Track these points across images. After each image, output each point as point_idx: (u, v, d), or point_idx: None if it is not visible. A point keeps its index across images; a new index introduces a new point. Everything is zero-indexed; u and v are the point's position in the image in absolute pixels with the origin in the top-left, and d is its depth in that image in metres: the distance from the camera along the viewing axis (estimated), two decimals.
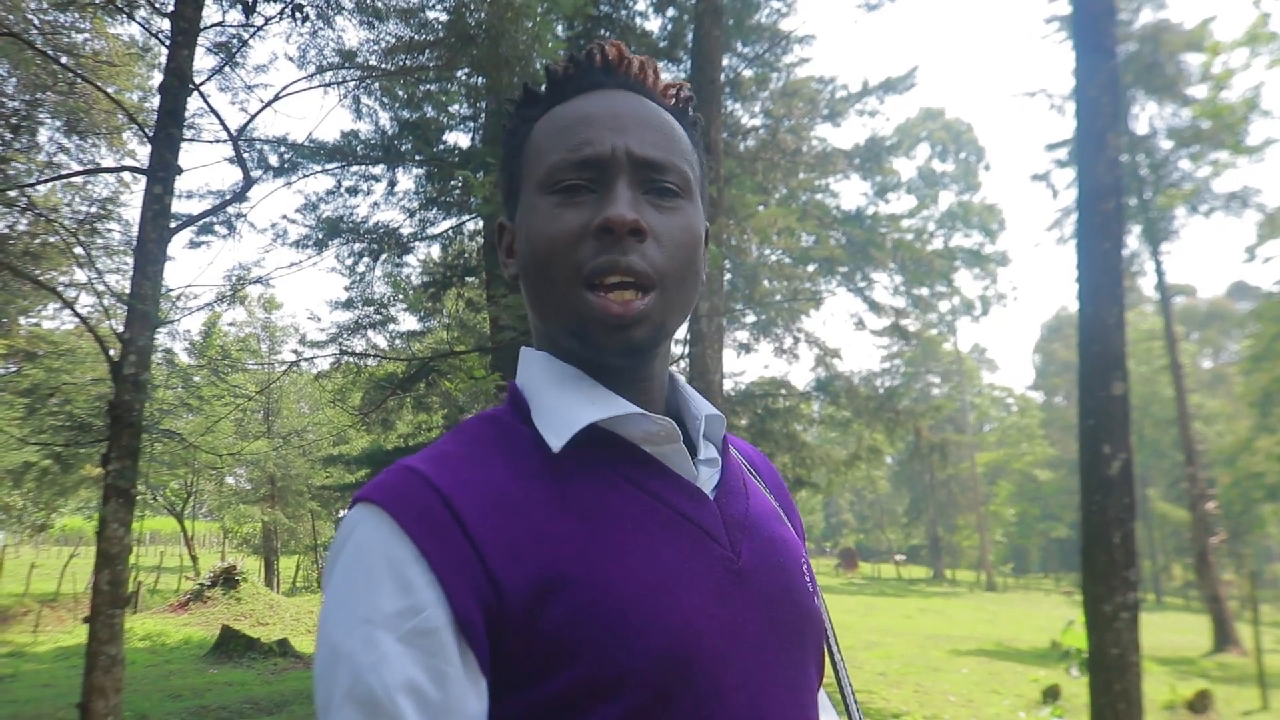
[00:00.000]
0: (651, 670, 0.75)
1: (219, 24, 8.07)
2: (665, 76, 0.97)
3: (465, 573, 0.74)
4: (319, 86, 9.27)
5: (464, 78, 10.16)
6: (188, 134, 7.60)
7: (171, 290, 9.16)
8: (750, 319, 16.69)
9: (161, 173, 6.71)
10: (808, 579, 0.94)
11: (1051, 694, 11.35)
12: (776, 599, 0.87)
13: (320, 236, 11.39)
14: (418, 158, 11.18)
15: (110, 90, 9.82)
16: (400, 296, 11.75)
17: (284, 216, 13.05)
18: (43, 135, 10.19)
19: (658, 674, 0.75)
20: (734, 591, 0.84)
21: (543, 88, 0.95)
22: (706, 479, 0.91)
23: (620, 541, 0.80)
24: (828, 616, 1.01)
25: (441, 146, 11.43)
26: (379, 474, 0.83)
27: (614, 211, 0.82)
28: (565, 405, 0.86)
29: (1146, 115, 23.84)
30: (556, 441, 0.83)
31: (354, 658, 0.71)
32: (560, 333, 0.88)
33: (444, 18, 9.44)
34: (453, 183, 11.33)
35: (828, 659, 1.02)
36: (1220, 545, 23.11)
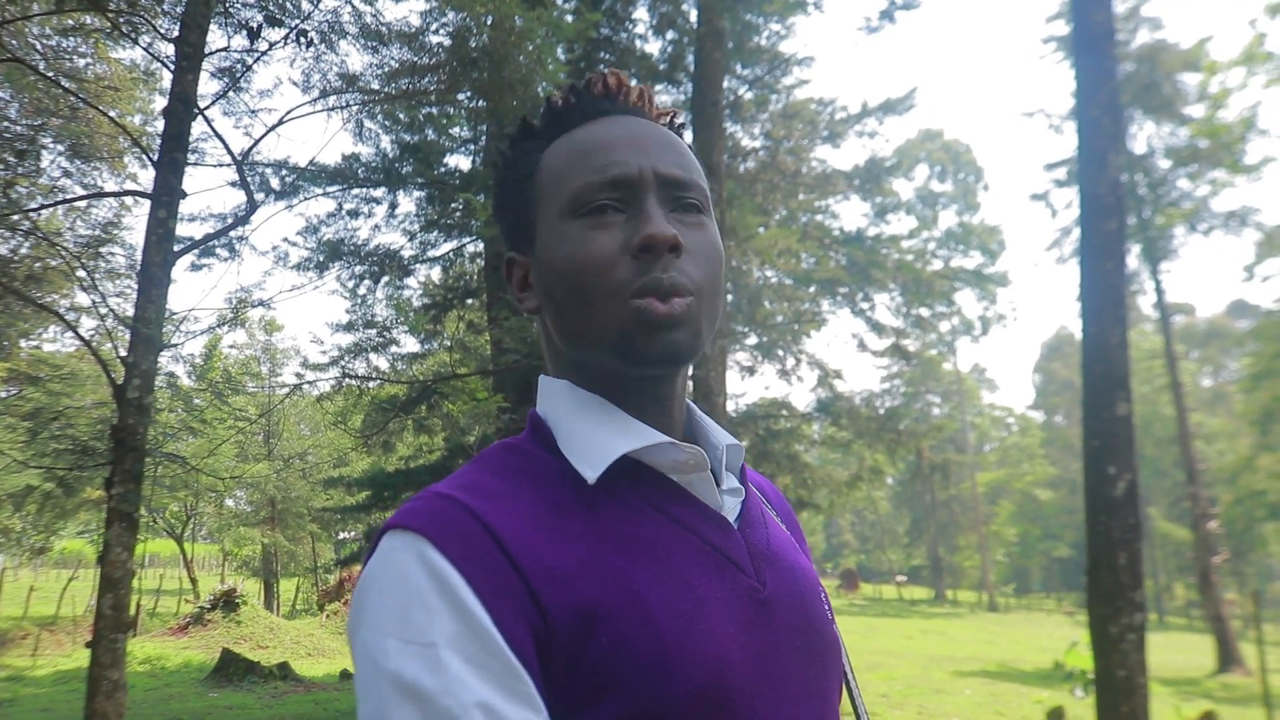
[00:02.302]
0: (692, 700, 0.74)
1: (223, 49, 8.12)
2: (665, 100, 0.98)
3: (513, 599, 0.73)
4: (322, 111, 9.31)
5: (465, 101, 10.19)
6: (191, 158, 7.63)
7: (175, 313, 9.17)
8: (752, 341, 16.70)
9: (165, 197, 6.74)
10: (826, 606, 0.95)
11: (1056, 715, 11.30)
12: (800, 628, 0.87)
13: (321, 259, 11.40)
14: (419, 180, 11.20)
15: (113, 114, 9.86)
16: (401, 319, 11.75)
17: (285, 239, 13.08)
18: (45, 159, 10.23)
19: (697, 704, 0.75)
20: (761, 621, 0.83)
21: (538, 121, 0.95)
22: (730, 508, 0.91)
23: (656, 572, 0.79)
24: (843, 644, 1.01)
25: (442, 169, 11.45)
26: (408, 502, 0.81)
27: (655, 228, 0.82)
28: (595, 435, 0.85)
29: (1145, 134, 23.99)
30: (591, 473, 0.82)
31: (420, 684, 0.67)
32: (596, 350, 0.86)
33: (446, 42, 9.49)
34: (453, 205, 11.34)
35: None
36: (1223, 564, 23.06)
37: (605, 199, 0.86)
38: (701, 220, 0.89)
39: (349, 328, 11.99)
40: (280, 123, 8.24)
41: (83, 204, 11.38)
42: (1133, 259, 24.01)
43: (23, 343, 14.73)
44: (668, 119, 0.97)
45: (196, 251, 9.07)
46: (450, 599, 0.71)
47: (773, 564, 0.89)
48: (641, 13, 12.59)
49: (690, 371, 0.96)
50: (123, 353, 6.65)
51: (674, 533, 0.84)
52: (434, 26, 9.86)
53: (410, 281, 13.09)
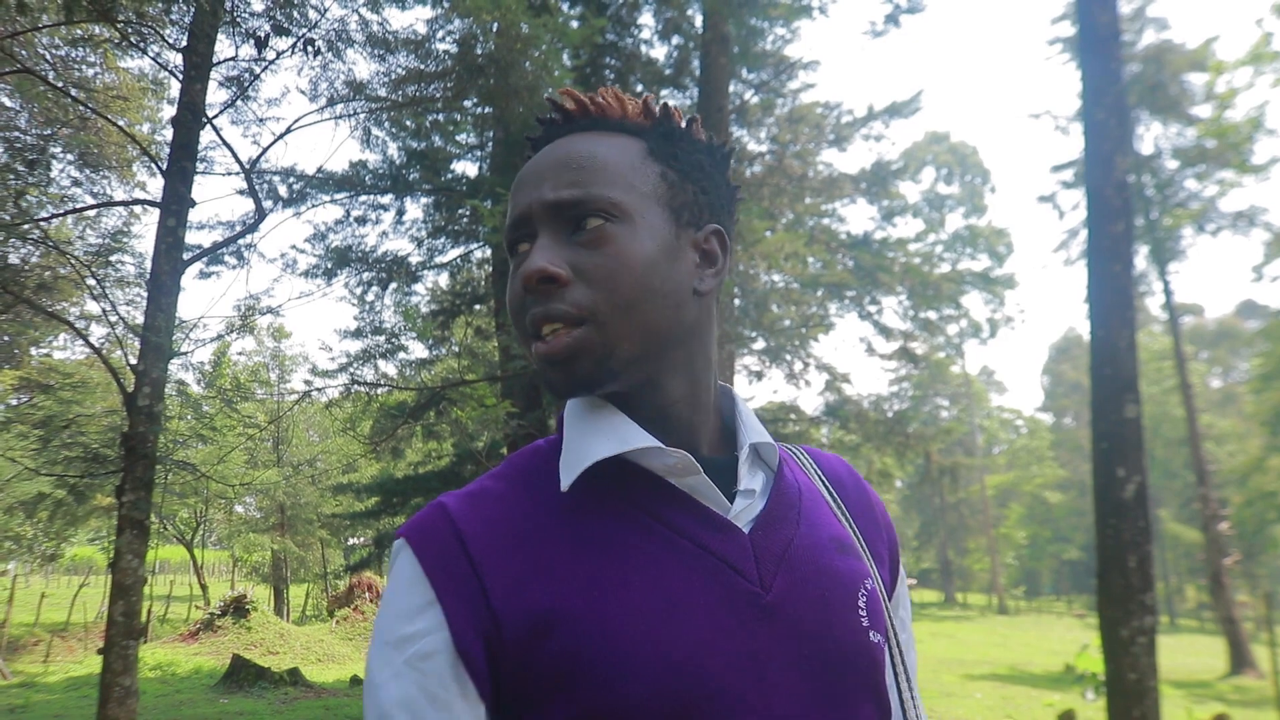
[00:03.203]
0: (652, 703, 0.75)
1: (231, 59, 8.15)
2: (675, 103, 0.99)
3: (469, 605, 0.80)
4: (329, 118, 9.34)
5: (472, 108, 10.22)
6: (200, 167, 7.67)
7: (184, 321, 9.21)
8: (760, 345, 16.67)
9: (175, 205, 6.78)
10: (863, 612, 0.90)
11: (1067, 718, 11.27)
12: (812, 635, 0.84)
13: (329, 266, 11.42)
14: (426, 187, 11.23)
15: (122, 123, 9.91)
16: (409, 325, 11.76)
17: (293, 246, 13.14)
18: (55, 169, 10.26)
19: (659, 706, 0.75)
20: (757, 626, 0.82)
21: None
22: (742, 510, 0.89)
23: (625, 575, 0.81)
24: (898, 648, 0.97)
25: (449, 175, 11.47)
26: (421, 509, 0.89)
27: (525, 268, 0.85)
28: (583, 440, 0.88)
29: (1151, 135, 23.91)
30: (567, 478, 0.86)
31: (373, 676, 0.80)
32: None
33: (453, 49, 9.52)
34: (460, 211, 11.37)
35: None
36: (1234, 566, 22.93)
37: (518, 238, 0.91)
38: (601, 234, 0.86)
39: (357, 334, 12.02)
40: (288, 131, 8.29)
41: (92, 213, 11.42)
42: (1141, 260, 23.97)
43: (34, 351, 14.79)
44: (642, 111, 0.95)
45: (205, 259, 9.12)
46: (410, 604, 0.81)
47: (790, 567, 0.87)
48: (647, 18, 12.61)
49: (699, 375, 0.96)
50: (133, 360, 6.69)
51: (660, 536, 0.84)
52: (440, 34, 9.89)
53: (418, 288, 13.13)
